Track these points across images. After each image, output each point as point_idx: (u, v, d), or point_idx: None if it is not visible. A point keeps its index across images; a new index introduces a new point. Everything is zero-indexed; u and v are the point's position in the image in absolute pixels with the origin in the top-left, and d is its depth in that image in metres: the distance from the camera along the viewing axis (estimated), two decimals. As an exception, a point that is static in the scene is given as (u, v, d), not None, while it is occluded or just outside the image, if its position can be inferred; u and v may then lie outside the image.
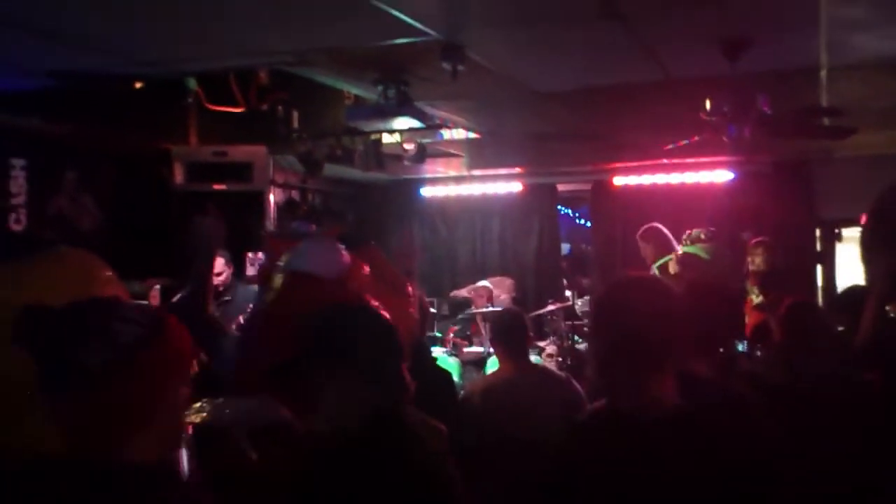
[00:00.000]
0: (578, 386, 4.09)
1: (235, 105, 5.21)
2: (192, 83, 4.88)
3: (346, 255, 3.30)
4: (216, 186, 6.16)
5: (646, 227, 6.59)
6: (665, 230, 6.48)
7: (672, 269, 6.11)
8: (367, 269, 3.37)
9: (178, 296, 3.51)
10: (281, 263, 3.26)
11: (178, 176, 6.12)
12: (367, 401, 2.08)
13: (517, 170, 8.91)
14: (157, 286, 5.06)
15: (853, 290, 6.46)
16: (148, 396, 1.56)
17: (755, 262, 6.26)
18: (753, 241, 6.48)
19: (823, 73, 4.67)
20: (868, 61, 4.44)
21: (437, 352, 7.05)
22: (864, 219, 2.86)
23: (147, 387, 1.56)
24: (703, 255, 6.10)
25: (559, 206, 10.14)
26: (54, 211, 5.35)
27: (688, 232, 6.41)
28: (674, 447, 2.00)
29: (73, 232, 5.37)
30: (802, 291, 6.80)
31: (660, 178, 8.35)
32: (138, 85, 4.59)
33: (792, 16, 3.68)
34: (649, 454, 2.00)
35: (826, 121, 5.30)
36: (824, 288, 7.84)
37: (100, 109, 5.16)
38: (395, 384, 2.14)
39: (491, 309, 7.46)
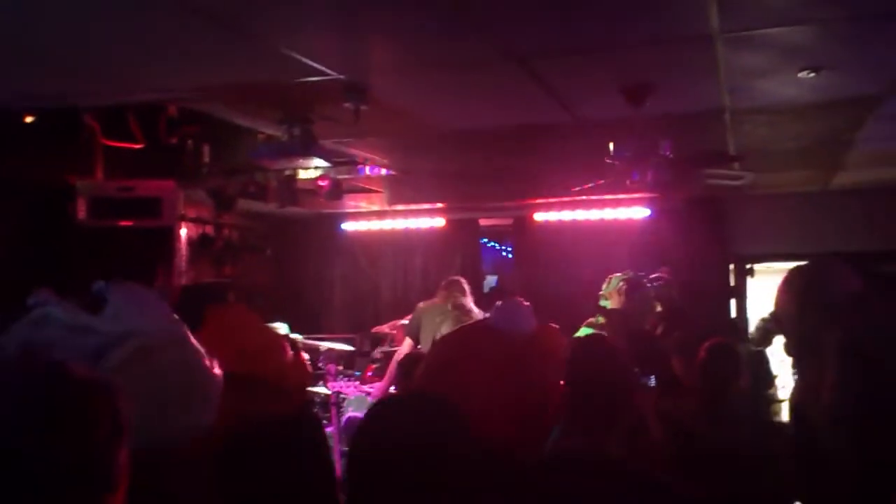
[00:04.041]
0: None
1: (134, 141, 5.04)
2: (85, 117, 4.70)
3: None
4: (123, 223, 5.96)
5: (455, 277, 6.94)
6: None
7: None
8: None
9: None
10: None
11: (82, 211, 5.90)
12: None
13: (439, 205, 8.87)
14: None
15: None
16: None
17: (659, 299, 6.31)
18: (653, 278, 6.52)
19: (727, 117, 4.73)
20: (770, 106, 4.52)
21: (353, 391, 6.93)
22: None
23: None
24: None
25: (485, 239, 10.11)
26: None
27: (608, 279, 6.44)
28: None
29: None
30: (704, 327, 6.90)
31: (580, 215, 8.38)
32: (29, 119, 4.40)
33: (691, 62, 3.71)
34: None
35: (736, 165, 5.39)
36: (738, 322, 7.94)
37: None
38: None
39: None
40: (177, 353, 2.15)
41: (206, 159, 6.09)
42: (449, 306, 6.70)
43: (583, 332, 6.40)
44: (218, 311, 3.35)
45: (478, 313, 6.67)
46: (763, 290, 8.38)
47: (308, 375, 3.78)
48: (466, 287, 6.98)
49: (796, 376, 3.64)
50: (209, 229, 7.68)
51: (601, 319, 6.24)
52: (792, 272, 3.18)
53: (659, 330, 6.14)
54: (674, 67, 3.75)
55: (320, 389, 6.71)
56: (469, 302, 6.83)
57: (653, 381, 5.67)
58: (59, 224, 5.79)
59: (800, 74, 3.89)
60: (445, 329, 6.38)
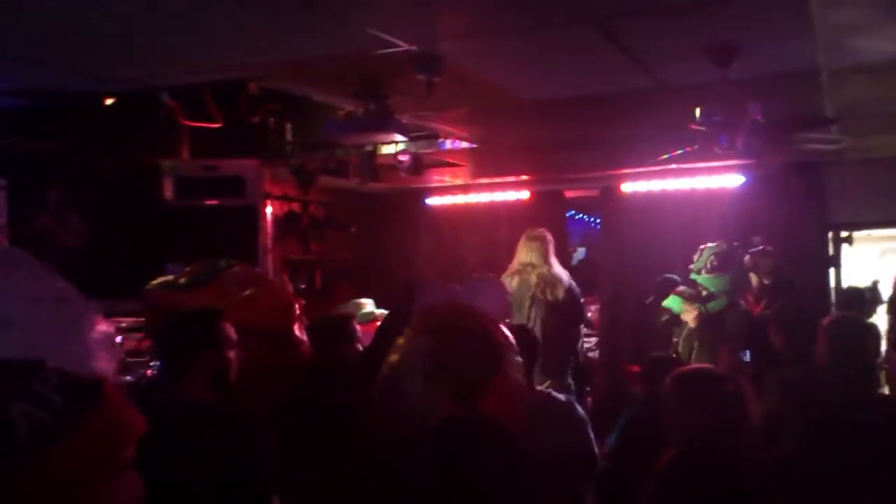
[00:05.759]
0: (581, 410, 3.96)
1: (214, 121, 5.07)
2: (164, 98, 4.76)
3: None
4: (208, 202, 6.05)
5: (540, 230, 6.48)
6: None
7: (690, 321, 5.95)
8: None
9: None
10: None
11: (169, 191, 6.01)
12: None
13: (523, 177, 8.72)
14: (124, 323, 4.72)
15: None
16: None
17: (759, 271, 6.08)
18: (755, 250, 6.26)
19: (824, 77, 4.46)
20: (870, 64, 4.23)
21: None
22: None
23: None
24: (710, 288, 5.89)
25: (574, 211, 9.91)
26: (36, 229, 5.24)
27: (699, 250, 6.21)
28: None
29: (57, 250, 5.25)
30: (810, 297, 6.60)
31: (669, 184, 8.11)
32: (109, 101, 4.47)
33: (782, 20, 3.48)
34: None
35: (833, 128, 5.10)
36: (865, 292, 7.57)
37: (83, 126, 5.05)
38: None
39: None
40: None
41: (289, 137, 6.12)
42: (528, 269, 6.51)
43: (671, 300, 6.22)
44: None
45: (556, 266, 6.43)
46: (861, 259, 7.98)
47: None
48: (536, 241, 6.60)
49: None
50: (295, 207, 7.73)
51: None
52: None
53: (763, 303, 5.92)
54: (763, 25, 3.53)
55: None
56: (536, 251, 6.53)
57: (748, 356, 5.46)
58: (147, 204, 5.91)
59: (903, 29, 3.63)
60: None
